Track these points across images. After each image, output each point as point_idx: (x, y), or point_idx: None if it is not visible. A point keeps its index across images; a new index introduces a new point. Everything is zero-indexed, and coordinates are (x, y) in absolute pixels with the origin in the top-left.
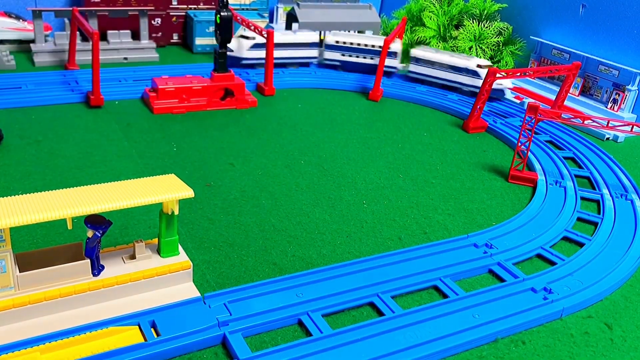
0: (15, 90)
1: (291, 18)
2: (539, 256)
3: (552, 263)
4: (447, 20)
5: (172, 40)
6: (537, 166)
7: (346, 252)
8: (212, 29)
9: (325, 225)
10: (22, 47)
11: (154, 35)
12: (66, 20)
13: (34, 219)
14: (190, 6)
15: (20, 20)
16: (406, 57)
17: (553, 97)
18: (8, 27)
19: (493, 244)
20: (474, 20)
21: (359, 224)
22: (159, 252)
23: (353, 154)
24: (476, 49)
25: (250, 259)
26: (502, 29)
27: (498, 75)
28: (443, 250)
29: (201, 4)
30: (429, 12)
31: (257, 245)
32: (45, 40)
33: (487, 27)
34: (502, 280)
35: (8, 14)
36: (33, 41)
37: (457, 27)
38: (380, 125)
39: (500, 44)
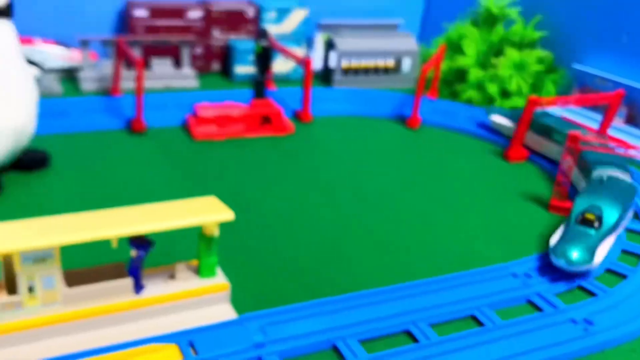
0: (61, 116)
1: (330, 46)
2: (580, 287)
3: (593, 294)
4: (487, 48)
5: (212, 68)
6: None
7: (383, 278)
8: (252, 57)
9: (362, 252)
10: (69, 74)
11: (195, 63)
12: (111, 49)
13: (83, 238)
14: (231, 37)
15: (69, 48)
16: (445, 85)
17: (597, 126)
18: (58, 55)
19: (532, 274)
20: (515, 48)
21: (396, 252)
22: (198, 273)
23: (391, 181)
24: (517, 77)
25: (286, 282)
26: (543, 57)
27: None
28: (481, 279)
29: (242, 34)
30: (469, 39)
31: (293, 269)
32: (92, 68)
33: (528, 55)
34: (540, 310)
35: (58, 43)
36: (80, 68)
37: (497, 54)
38: (418, 154)
39: (542, 72)
